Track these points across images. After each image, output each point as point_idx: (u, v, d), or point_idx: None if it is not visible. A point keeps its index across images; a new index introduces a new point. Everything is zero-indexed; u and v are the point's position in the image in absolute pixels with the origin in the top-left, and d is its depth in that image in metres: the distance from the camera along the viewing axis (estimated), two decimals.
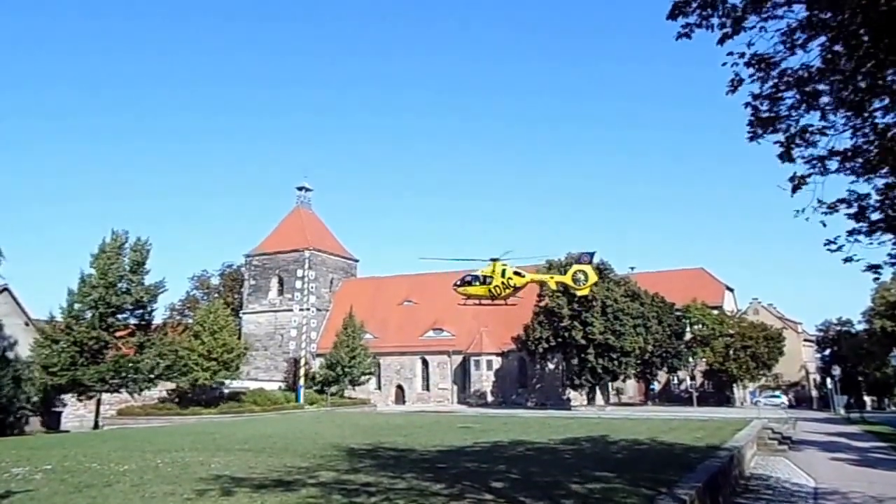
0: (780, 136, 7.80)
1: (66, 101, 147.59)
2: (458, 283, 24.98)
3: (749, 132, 7.88)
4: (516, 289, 24.24)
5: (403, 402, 66.31)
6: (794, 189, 7.91)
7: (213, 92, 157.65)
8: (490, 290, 24.05)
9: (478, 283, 24.35)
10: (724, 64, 7.68)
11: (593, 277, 24.41)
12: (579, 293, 24.65)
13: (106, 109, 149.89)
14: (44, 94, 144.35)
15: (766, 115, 7.69)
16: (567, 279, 24.52)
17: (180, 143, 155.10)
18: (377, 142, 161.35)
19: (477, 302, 25.15)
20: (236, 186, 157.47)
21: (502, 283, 23.79)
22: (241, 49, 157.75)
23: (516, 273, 24.07)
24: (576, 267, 24.64)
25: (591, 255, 25.15)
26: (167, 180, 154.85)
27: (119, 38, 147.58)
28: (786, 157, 7.82)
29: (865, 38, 7.07)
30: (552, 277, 24.78)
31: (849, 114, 7.37)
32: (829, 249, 8.10)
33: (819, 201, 7.80)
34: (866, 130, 7.45)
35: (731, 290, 68.79)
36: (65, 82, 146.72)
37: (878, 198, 7.77)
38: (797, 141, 7.74)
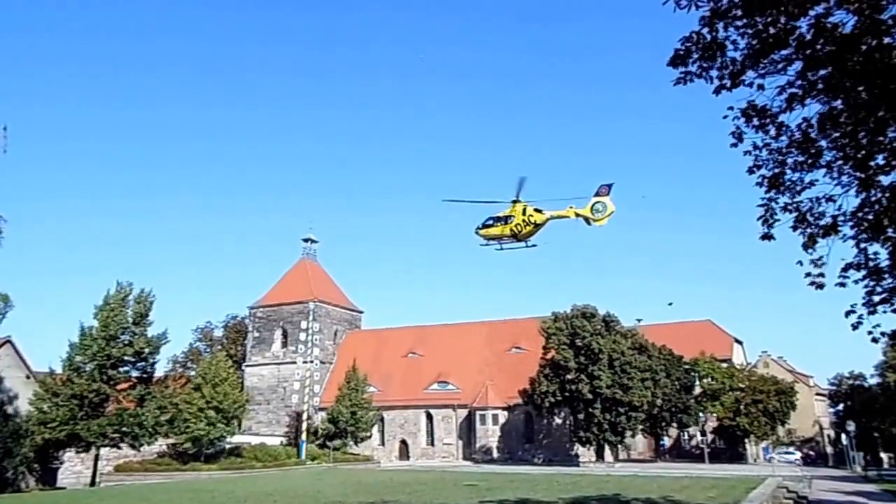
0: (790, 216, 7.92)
1: (72, 146, 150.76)
2: (480, 226, 25.36)
3: (762, 232, 8.06)
4: (537, 226, 24.54)
5: (407, 458, 64.74)
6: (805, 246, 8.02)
7: (219, 143, 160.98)
8: (511, 229, 24.53)
9: (500, 224, 24.79)
10: (725, 117, 7.78)
11: (611, 208, 24.54)
12: (598, 224, 24.55)
13: (111, 159, 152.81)
14: (49, 138, 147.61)
15: (772, 173, 7.74)
16: (586, 211, 24.67)
17: (186, 194, 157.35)
18: (383, 193, 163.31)
19: (499, 246, 25.41)
20: (242, 239, 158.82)
21: (523, 220, 24.26)
22: (247, 99, 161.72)
23: (536, 210, 24.49)
24: (594, 199, 24.77)
25: (610, 186, 25.13)
26: (172, 232, 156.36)
27: (124, 86, 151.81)
28: (809, 245, 7.92)
29: (865, 96, 7.15)
30: (572, 208, 24.91)
31: (855, 173, 7.40)
32: (853, 324, 8.00)
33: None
34: (873, 188, 7.46)
35: (739, 342, 67.93)
36: (69, 129, 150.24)
37: (888, 258, 7.70)
38: (808, 216, 7.83)
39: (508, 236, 24.87)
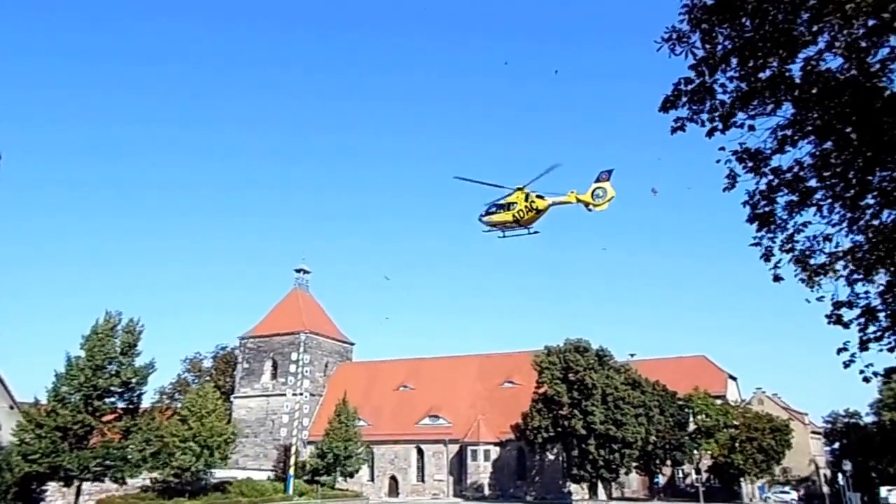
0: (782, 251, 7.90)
1: (64, 173, 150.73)
2: (483, 213, 25.30)
3: (772, 274, 8.02)
4: (539, 212, 24.55)
5: (397, 494, 63.52)
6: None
7: (212, 169, 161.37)
8: (514, 216, 24.59)
9: (502, 211, 24.78)
10: (718, 161, 7.81)
11: (612, 193, 24.52)
12: (598, 209, 24.51)
13: (102, 184, 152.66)
14: (44, 165, 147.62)
15: (763, 211, 7.75)
16: (587, 197, 24.67)
17: (177, 223, 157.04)
18: (376, 224, 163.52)
19: (502, 233, 25.36)
20: (233, 269, 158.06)
21: (525, 206, 24.35)
22: (241, 126, 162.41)
23: (538, 196, 24.50)
24: (595, 185, 24.75)
25: (610, 172, 25.13)
26: (163, 260, 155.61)
27: (118, 111, 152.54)
28: (810, 284, 7.86)
29: (853, 137, 7.21)
30: (573, 192, 24.94)
31: (846, 213, 7.42)
32: (845, 363, 7.92)
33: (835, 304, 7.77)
34: (863, 227, 7.47)
35: (734, 378, 67.57)
36: (63, 155, 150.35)
37: (879, 297, 7.68)
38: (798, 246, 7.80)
39: (511, 223, 25.11)
